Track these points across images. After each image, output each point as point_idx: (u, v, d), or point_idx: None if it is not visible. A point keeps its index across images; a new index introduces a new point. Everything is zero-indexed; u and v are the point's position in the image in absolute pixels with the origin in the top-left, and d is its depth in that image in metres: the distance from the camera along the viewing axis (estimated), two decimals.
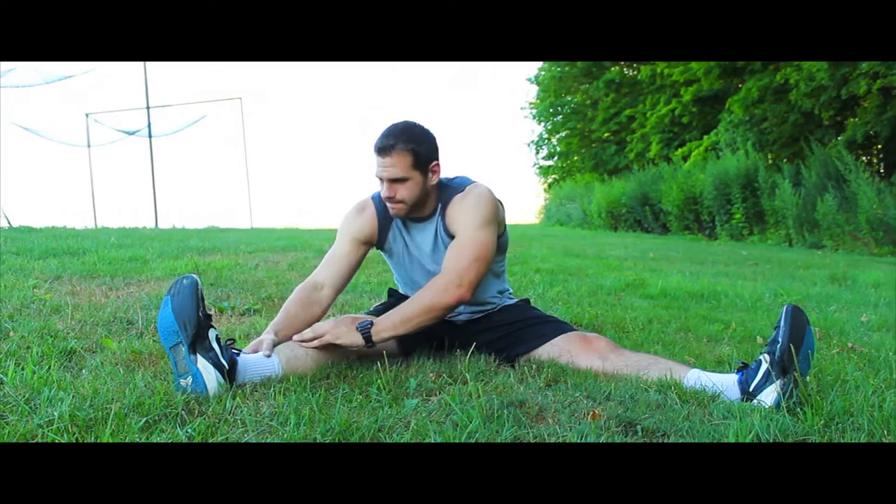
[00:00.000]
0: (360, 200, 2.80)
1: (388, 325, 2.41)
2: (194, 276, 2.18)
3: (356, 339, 2.39)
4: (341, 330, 2.39)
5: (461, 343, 2.74)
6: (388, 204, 2.61)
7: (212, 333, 2.15)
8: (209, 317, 2.18)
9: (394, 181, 2.54)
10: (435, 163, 2.61)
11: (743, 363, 2.27)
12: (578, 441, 1.77)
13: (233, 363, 2.19)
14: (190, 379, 2.08)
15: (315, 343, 2.39)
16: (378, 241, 2.77)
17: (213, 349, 2.13)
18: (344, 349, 2.47)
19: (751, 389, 2.13)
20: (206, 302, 2.20)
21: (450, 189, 2.68)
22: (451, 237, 2.63)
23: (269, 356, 2.30)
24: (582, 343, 2.60)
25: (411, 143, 2.53)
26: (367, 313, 2.74)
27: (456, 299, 2.45)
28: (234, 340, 2.31)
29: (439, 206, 2.68)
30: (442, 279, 2.47)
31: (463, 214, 2.59)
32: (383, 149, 2.52)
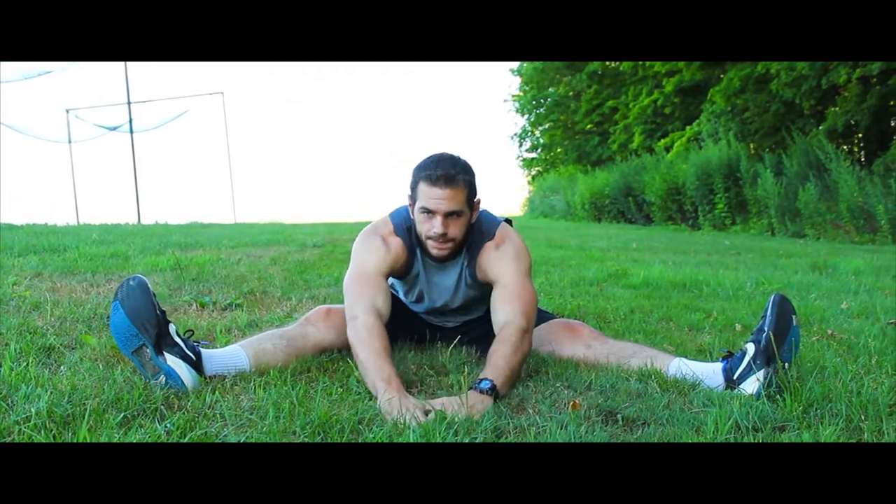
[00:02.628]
0: (378, 227, 2.56)
1: (505, 384, 2.10)
2: (140, 276, 2.14)
3: (489, 404, 1.98)
4: (477, 408, 1.92)
5: (442, 336, 2.74)
6: (434, 242, 2.40)
7: (172, 328, 2.14)
8: (164, 312, 2.15)
9: (449, 216, 2.35)
10: (478, 198, 2.47)
11: (728, 352, 2.28)
12: (559, 430, 1.77)
13: (198, 355, 2.17)
14: (163, 378, 2.06)
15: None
16: (401, 274, 2.59)
17: (177, 344, 2.11)
18: (317, 342, 2.47)
19: (735, 378, 2.15)
20: (157, 298, 2.17)
21: (477, 232, 2.53)
22: (480, 284, 2.54)
23: (429, 411, 1.89)
24: (566, 331, 2.60)
25: (468, 175, 2.38)
26: None
27: (530, 345, 2.32)
28: (192, 331, 2.30)
29: (464, 249, 2.53)
30: (514, 325, 2.28)
31: (505, 264, 2.44)
32: (447, 178, 2.31)
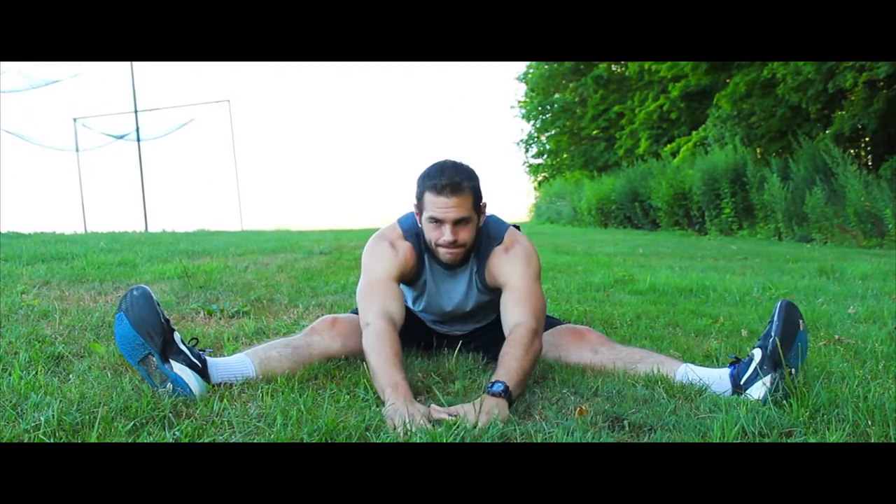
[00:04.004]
0: (386, 233, 2.57)
1: (518, 385, 2.10)
2: (143, 286, 2.15)
3: (504, 407, 1.98)
4: (493, 413, 1.91)
5: (448, 343, 2.74)
6: (444, 250, 2.42)
7: (177, 337, 2.15)
8: (169, 321, 2.16)
9: (457, 223, 2.37)
10: (484, 202, 2.48)
11: (736, 357, 2.28)
12: (565, 436, 1.77)
13: (203, 363, 2.18)
14: (170, 386, 2.07)
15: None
16: (410, 279, 2.60)
17: (182, 352, 2.12)
18: (324, 350, 2.48)
19: (742, 383, 2.15)
20: (161, 307, 2.18)
21: (485, 237, 2.54)
22: (490, 289, 2.55)
23: (436, 420, 1.89)
24: (573, 336, 2.60)
25: (473, 181, 2.39)
26: (354, 311, 2.73)
27: (540, 346, 2.33)
28: (197, 340, 2.31)
29: (472, 255, 2.55)
30: (525, 326, 2.29)
31: (514, 268, 2.45)
32: (453, 187, 2.32)
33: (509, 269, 2.46)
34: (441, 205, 2.33)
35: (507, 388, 2.03)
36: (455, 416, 1.89)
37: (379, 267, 2.47)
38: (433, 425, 1.83)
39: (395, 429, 1.83)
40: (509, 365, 2.14)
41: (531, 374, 2.24)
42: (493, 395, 2.00)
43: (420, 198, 2.41)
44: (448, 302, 2.63)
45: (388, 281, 2.44)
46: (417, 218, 2.49)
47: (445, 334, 2.79)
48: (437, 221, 2.37)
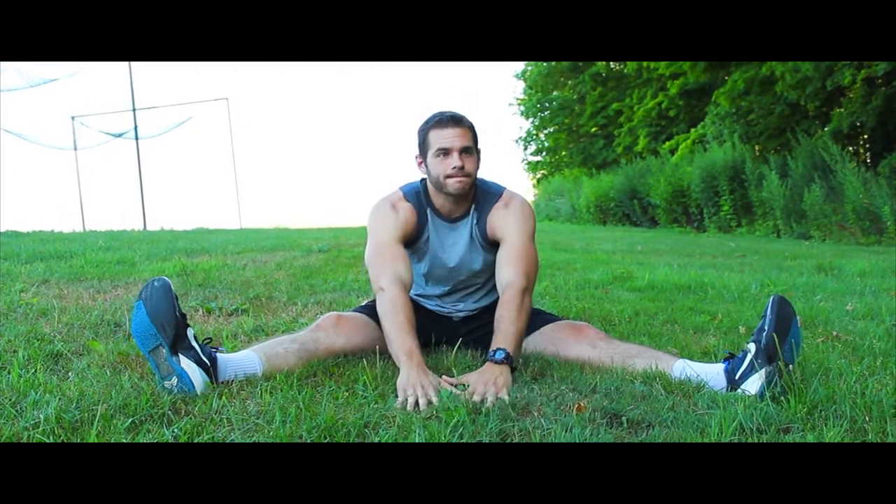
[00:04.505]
0: (387, 198, 2.68)
1: (516, 347, 2.33)
2: (165, 278, 2.18)
3: (507, 374, 2.20)
4: (500, 381, 2.13)
5: (448, 339, 2.75)
6: (453, 179, 2.53)
7: (189, 332, 2.16)
8: (185, 316, 2.18)
9: (463, 152, 2.52)
10: (480, 147, 2.64)
11: (730, 353, 2.29)
12: (564, 433, 1.78)
13: (213, 360, 2.19)
14: (175, 380, 2.08)
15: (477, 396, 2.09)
16: (413, 238, 2.68)
17: (192, 348, 2.13)
18: (329, 346, 2.49)
19: (736, 377, 2.15)
20: (179, 301, 2.20)
21: (484, 192, 2.69)
22: (490, 243, 2.65)
23: (456, 384, 2.15)
24: (571, 331, 2.61)
25: (471, 123, 2.59)
26: (355, 310, 2.74)
27: (531, 302, 2.50)
28: (211, 339, 2.31)
29: (472, 207, 2.67)
30: (516, 286, 2.46)
31: (512, 222, 2.60)
32: (455, 119, 2.53)
33: (509, 222, 2.61)
34: (447, 135, 2.51)
35: (508, 354, 2.24)
36: (463, 384, 2.13)
37: (384, 228, 2.60)
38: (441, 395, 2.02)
39: (404, 402, 2.02)
40: (506, 329, 2.33)
41: (525, 331, 2.44)
42: (497, 362, 2.21)
43: (424, 141, 2.57)
44: (451, 257, 2.70)
45: (395, 244, 2.57)
46: (421, 166, 2.63)
47: (448, 318, 2.80)
48: (445, 152, 2.51)
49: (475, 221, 2.67)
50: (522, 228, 2.60)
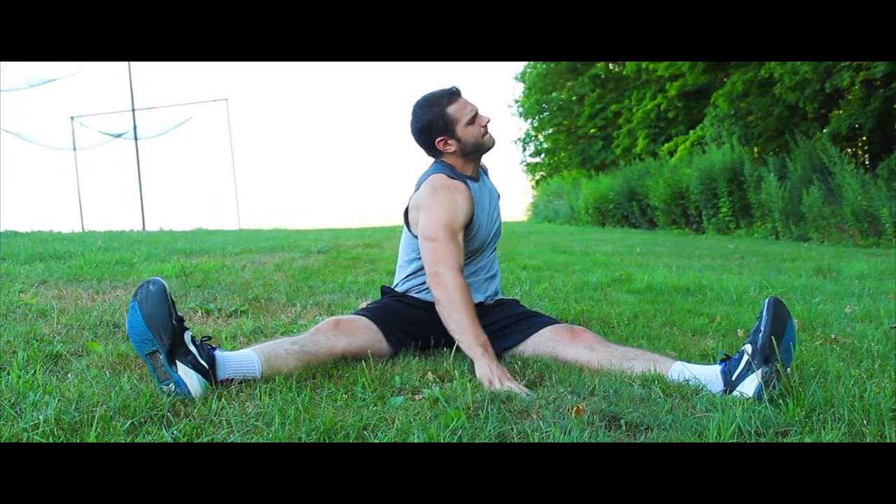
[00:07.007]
0: (446, 183, 2.71)
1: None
2: (160, 279, 2.14)
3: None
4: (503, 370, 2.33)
5: (447, 342, 2.74)
6: (489, 135, 2.76)
7: (187, 336, 2.13)
8: (182, 319, 2.15)
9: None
10: None
11: (726, 355, 2.29)
12: (562, 436, 1.78)
13: (211, 360, 2.16)
14: (172, 386, 2.07)
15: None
16: (472, 214, 2.74)
17: (190, 352, 2.10)
18: (329, 348, 2.48)
19: (733, 379, 2.16)
20: (176, 305, 2.17)
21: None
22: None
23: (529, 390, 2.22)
24: (569, 334, 2.62)
25: None
26: (356, 312, 2.74)
27: None
28: (209, 337, 2.30)
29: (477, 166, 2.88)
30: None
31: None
32: (457, 90, 2.73)
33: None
34: (464, 104, 2.71)
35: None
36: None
37: (455, 215, 2.64)
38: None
39: (490, 387, 2.21)
40: (471, 320, 2.48)
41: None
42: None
43: (444, 120, 2.70)
44: (488, 219, 2.85)
45: (460, 232, 2.66)
46: (446, 142, 2.74)
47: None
48: (473, 117, 2.70)
49: (485, 174, 2.95)
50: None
